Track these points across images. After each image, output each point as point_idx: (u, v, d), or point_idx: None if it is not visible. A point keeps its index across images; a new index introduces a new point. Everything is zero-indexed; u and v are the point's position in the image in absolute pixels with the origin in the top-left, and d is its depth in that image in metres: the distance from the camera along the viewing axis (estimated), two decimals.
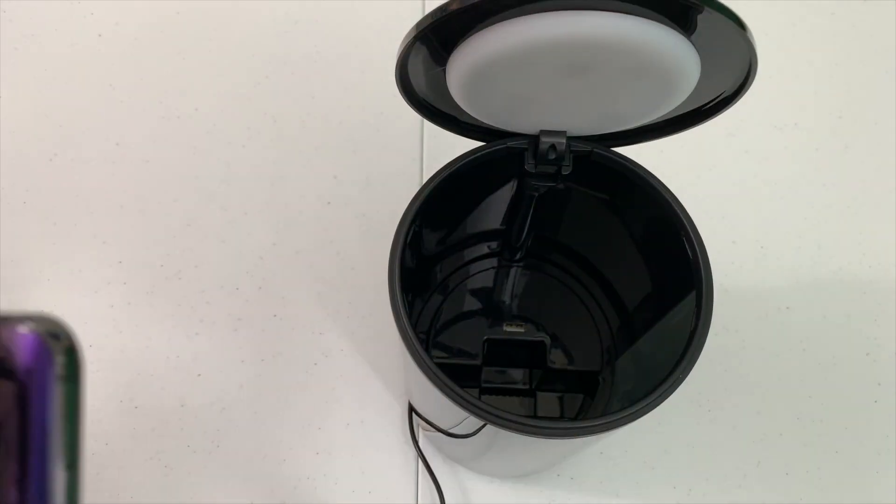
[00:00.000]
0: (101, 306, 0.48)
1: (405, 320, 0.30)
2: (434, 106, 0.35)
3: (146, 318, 0.48)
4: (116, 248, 0.50)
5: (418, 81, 0.32)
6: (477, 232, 0.45)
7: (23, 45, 0.56)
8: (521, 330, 0.43)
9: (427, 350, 0.32)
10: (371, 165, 0.53)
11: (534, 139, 0.34)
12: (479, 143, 0.35)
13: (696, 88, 0.30)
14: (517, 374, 0.44)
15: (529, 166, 0.35)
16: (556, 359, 0.43)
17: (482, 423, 0.29)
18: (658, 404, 0.29)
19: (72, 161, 0.52)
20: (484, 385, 0.44)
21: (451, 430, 0.36)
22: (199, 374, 0.47)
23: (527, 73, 0.29)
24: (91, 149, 0.53)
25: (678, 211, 0.33)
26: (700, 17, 0.27)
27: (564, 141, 0.34)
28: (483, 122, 0.34)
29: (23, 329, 0.16)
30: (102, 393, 0.46)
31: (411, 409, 0.44)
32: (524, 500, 0.44)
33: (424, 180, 0.34)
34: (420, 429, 0.45)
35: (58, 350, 0.17)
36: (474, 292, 0.45)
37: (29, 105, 0.54)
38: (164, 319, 0.48)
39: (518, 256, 0.45)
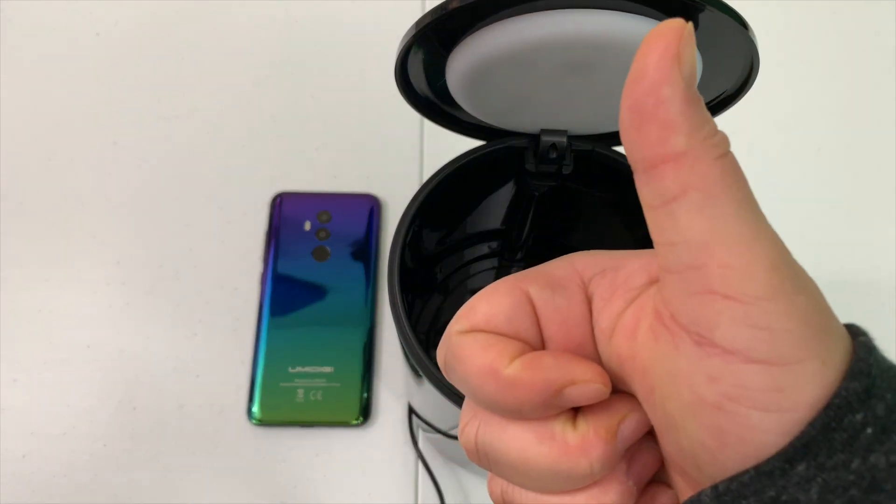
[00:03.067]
0: (100, 306, 0.48)
1: (405, 321, 0.30)
2: (434, 105, 0.34)
3: (145, 319, 0.48)
4: (115, 248, 0.50)
5: (418, 81, 0.32)
6: (477, 232, 0.45)
7: (22, 44, 0.56)
8: None
9: (427, 350, 0.32)
10: (371, 165, 0.53)
11: (534, 138, 0.34)
12: (480, 143, 0.34)
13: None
14: None
15: (530, 165, 0.34)
16: None
17: None
18: None
19: (70, 161, 0.52)
20: None
21: (451, 432, 0.36)
22: (198, 375, 0.46)
23: (527, 72, 0.29)
24: (89, 149, 0.53)
25: None
26: (701, 16, 0.27)
27: (565, 140, 0.34)
28: (484, 122, 0.34)
29: None
30: (101, 393, 0.46)
31: (411, 411, 0.43)
32: None
33: (424, 180, 0.34)
34: (420, 430, 0.45)
35: None
36: (474, 292, 0.45)
37: (27, 104, 0.54)
38: (163, 320, 0.48)
39: (518, 256, 0.45)
